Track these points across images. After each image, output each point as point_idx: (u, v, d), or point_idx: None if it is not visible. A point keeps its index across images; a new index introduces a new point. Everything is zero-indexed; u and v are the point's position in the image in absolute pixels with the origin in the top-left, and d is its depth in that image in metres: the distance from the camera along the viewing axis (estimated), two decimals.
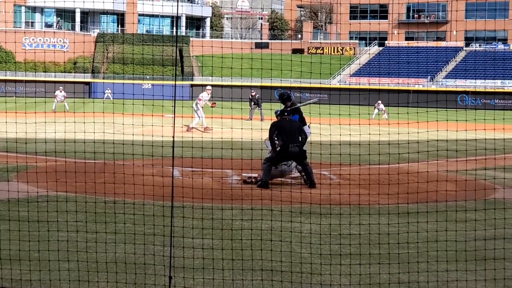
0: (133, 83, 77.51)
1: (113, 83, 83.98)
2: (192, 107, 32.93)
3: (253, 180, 15.81)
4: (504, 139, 15.57)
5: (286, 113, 16.09)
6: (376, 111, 52.23)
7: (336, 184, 15.54)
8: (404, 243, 9.64)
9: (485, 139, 14.48)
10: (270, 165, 15.39)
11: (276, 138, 15.59)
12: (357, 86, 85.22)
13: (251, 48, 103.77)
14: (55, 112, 46.74)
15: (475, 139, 16.03)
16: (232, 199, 12.51)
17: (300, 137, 15.48)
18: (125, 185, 12.26)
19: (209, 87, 34.64)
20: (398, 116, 12.71)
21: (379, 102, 53.85)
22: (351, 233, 10.08)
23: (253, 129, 17.94)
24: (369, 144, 14.03)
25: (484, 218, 11.02)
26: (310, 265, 8.54)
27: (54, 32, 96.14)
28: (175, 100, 11.31)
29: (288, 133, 15.38)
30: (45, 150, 18.41)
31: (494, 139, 17.26)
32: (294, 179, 16.28)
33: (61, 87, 56.46)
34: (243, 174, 16.20)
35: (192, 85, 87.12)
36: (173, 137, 8.24)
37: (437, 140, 14.95)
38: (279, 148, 15.45)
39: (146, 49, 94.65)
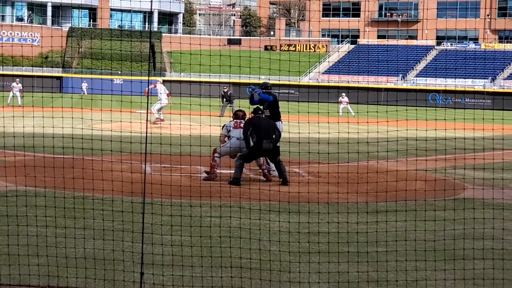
0: (101, 78, 77.04)
1: (82, 77, 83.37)
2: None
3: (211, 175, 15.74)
4: (474, 138, 15.67)
5: (260, 97, 16.03)
6: (341, 106, 50.87)
7: (305, 182, 15.57)
8: (374, 241, 9.68)
9: (455, 138, 14.59)
10: (243, 163, 15.37)
11: (250, 135, 15.54)
12: (327, 84, 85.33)
13: (224, 45, 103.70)
14: (13, 106, 44.88)
15: (445, 138, 16.14)
16: (201, 196, 12.50)
17: (274, 135, 15.46)
18: (94, 181, 12.20)
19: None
20: (367, 114, 12.79)
21: (343, 94, 52.57)
22: (320, 231, 10.10)
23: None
24: (338, 143, 14.09)
25: (454, 217, 11.09)
26: (279, 262, 8.56)
27: (21, 26, 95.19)
28: (148, 95, 11.31)
29: (264, 129, 15.34)
30: (14, 145, 18.30)
31: (464, 137, 17.39)
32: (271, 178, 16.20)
33: (17, 79, 54.28)
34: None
35: (163, 81, 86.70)
36: (146, 132, 8.24)
37: (406, 139, 15.01)
38: (252, 144, 15.41)
39: (118, 44, 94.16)
